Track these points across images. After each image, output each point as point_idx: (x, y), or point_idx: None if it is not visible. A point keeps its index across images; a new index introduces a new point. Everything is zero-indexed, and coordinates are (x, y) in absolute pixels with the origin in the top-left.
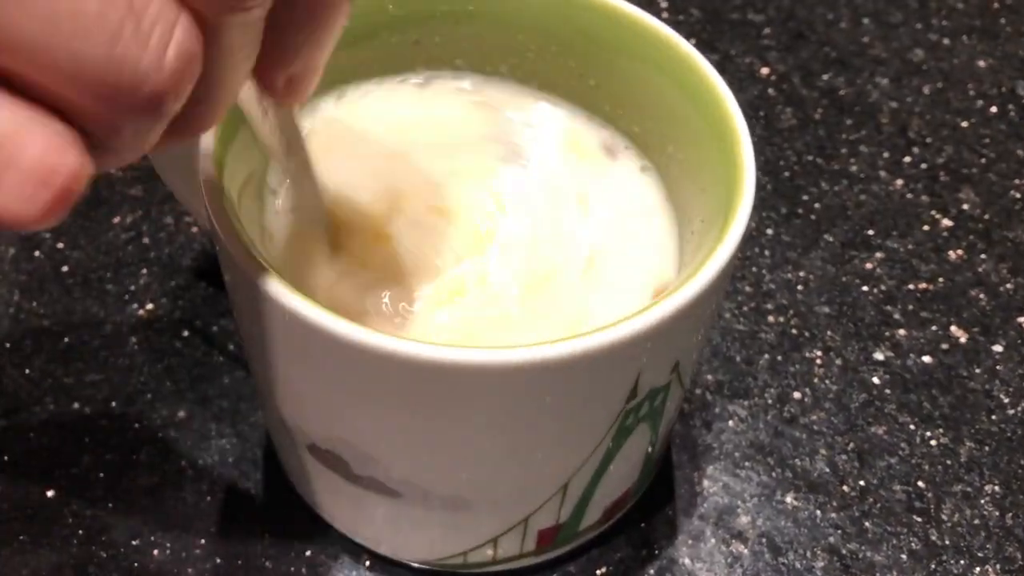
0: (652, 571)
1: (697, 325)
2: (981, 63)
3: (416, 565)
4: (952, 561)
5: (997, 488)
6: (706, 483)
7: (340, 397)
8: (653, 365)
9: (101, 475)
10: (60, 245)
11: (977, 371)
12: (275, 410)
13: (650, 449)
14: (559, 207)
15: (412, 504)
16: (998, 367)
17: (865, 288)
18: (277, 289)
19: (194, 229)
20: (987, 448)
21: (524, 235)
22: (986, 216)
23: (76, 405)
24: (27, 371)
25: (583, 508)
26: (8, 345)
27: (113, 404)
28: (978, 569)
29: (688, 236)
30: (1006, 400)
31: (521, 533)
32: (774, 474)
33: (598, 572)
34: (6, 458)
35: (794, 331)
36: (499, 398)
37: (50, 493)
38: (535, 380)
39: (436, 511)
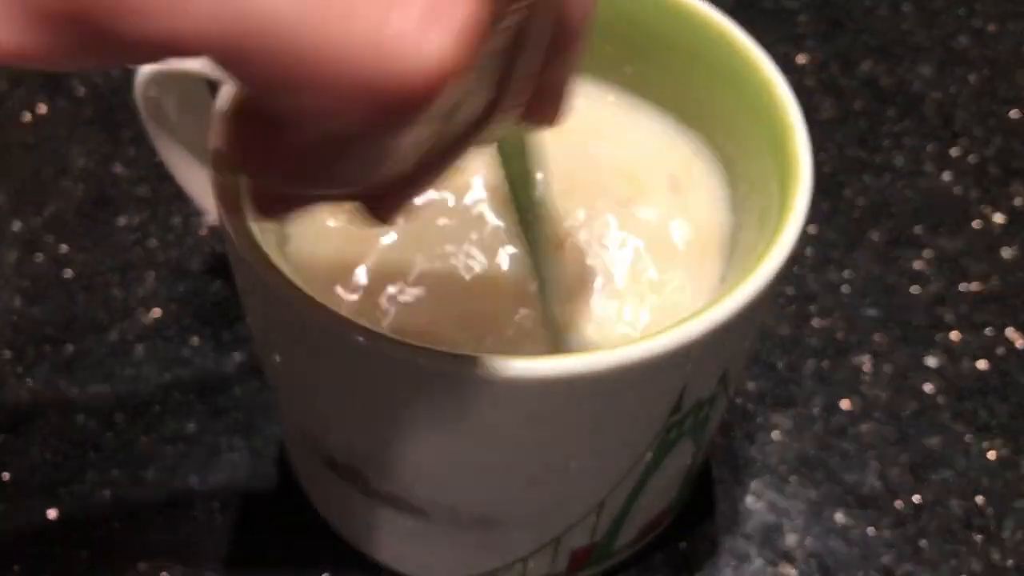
0: None
1: (748, 332)
2: None
3: None
4: None
5: None
6: (749, 499)
7: (362, 409)
8: (700, 376)
9: (106, 493)
10: (63, 248)
11: None
12: (293, 421)
13: (690, 461)
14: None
15: (437, 522)
16: None
17: (914, 289)
18: (296, 296)
19: (203, 232)
20: None
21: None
22: None
23: (80, 418)
24: (29, 382)
25: (619, 527)
26: (9, 354)
27: (119, 417)
28: None
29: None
30: None
31: (552, 553)
32: (822, 489)
33: None
34: (6, 476)
35: (840, 336)
36: (534, 412)
37: (52, 513)
38: (572, 393)
39: (462, 529)
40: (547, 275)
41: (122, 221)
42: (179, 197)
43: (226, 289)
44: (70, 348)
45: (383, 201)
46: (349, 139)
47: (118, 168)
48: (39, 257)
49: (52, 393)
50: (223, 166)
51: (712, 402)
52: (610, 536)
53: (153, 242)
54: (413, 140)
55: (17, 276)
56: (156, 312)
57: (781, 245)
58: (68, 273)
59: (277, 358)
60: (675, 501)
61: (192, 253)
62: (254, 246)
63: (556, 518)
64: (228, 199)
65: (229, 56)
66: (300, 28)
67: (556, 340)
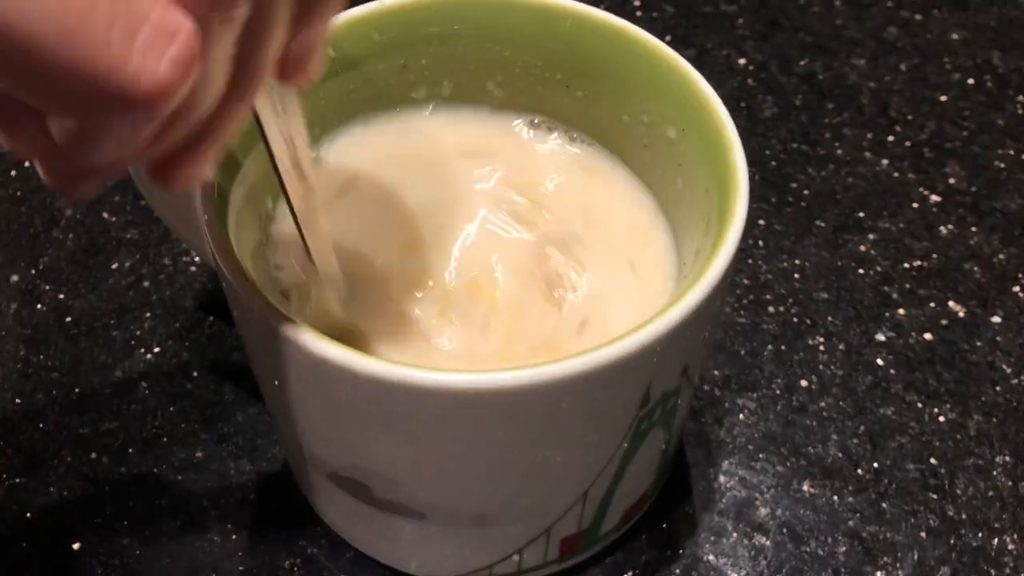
0: (677, 571)
1: (704, 327)
2: (954, 36)
3: None
4: (970, 535)
5: (1008, 459)
6: (722, 478)
7: (356, 427)
8: (663, 371)
9: (125, 523)
10: (61, 295)
11: (978, 344)
12: (293, 441)
13: (664, 447)
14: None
15: (437, 523)
16: (998, 338)
17: (861, 271)
18: (286, 325)
19: (192, 268)
20: (995, 420)
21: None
22: (973, 189)
23: (93, 455)
24: (41, 425)
25: (603, 513)
26: (19, 401)
27: (130, 451)
28: (996, 540)
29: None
30: (1009, 370)
31: (544, 542)
32: (789, 463)
33: None
34: (28, 515)
35: (795, 320)
36: (518, 418)
37: (76, 546)
38: (550, 398)
39: (461, 528)
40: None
41: (115, 265)
42: (167, 239)
43: (219, 323)
44: (77, 390)
45: (166, 169)
46: (99, 129)
47: (106, 215)
48: (39, 306)
49: (65, 434)
50: None
51: (677, 393)
52: (596, 522)
53: (147, 283)
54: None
55: (19, 326)
56: (156, 349)
57: (725, 249)
58: (69, 319)
59: (277, 387)
60: (653, 485)
61: (184, 291)
62: (246, 281)
63: (546, 510)
64: (220, 240)
65: None
66: (57, 52)
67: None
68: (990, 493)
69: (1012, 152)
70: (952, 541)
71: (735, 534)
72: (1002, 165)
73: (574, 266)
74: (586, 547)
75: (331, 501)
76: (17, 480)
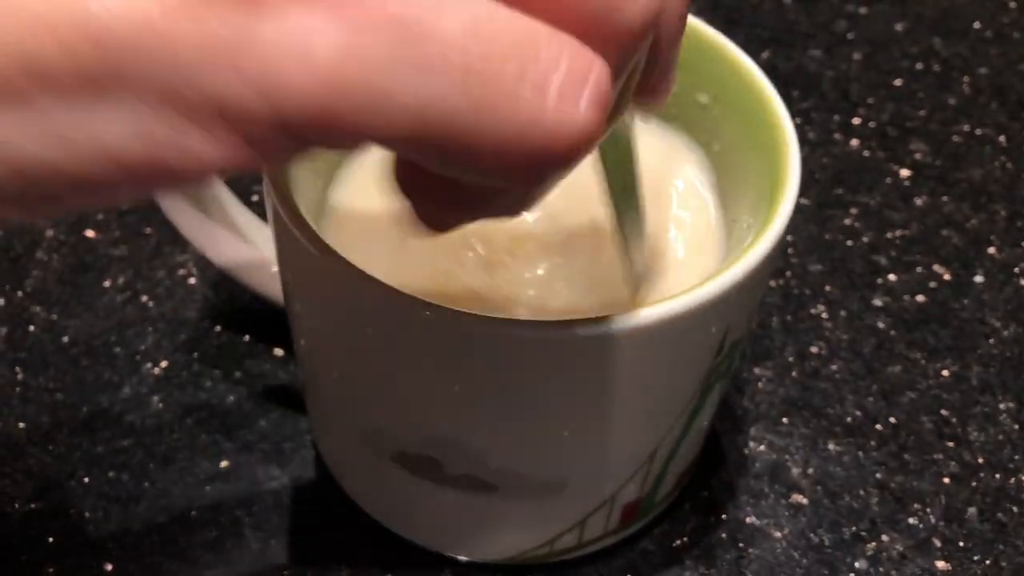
0: (724, 535)
1: (770, 271)
2: (898, 27)
3: (503, 562)
4: (989, 477)
5: (1011, 404)
6: (752, 444)
7: (441, 388)
8: (738, 317)
9: (157, 539)
10: (54, 316)
11: (966, 302)
12: (352, 426)
13: (717, 406)
14: None
15: (506, 495)
16: (984, 296)
17: (849, 242)
18: (389, 294)
19: (191, 280)
20: (992, 370)
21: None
22: (937, 162)
23: (112, 474)
24: (50, 448)
25: (662, 477)
26: (23, 425)
27: (151, 466)
28: (1013, 480)
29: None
30: (998, 324)
31: (608, 510)
32: (812, 425)
33: (675, 544)
34: (51, 540)
35: (795, 291)
36: (611, 364)
37: (108, 567)
38: (643, 343)
39: (529, 499)
40: (638, 260)
41: (107, 283)
42: (159, 252)
43: (227, 331)
44: (86, 410)
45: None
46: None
47: (90, 233)
48: (31, 328)
49: (78, 455)
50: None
51: (740, 344)
52: (655, 487)
53: (144, 298)
54: None
55: (12, 350)
56: (163, 363)
57: (790, 194)
58: (66, 339)
59: (342, 366)
60: (701, 450)
61: (185, 303)
62: (327, 248)
63: (616, 473)
64: (289, 205)
65: (414, 146)
66: (477, 121)
67: None
68: (1000, 437)
69: (967, 128)
70: (974, 484)
71: (772, 495)
72: (960, 140)
73: None
74: (642, 515)
75: (390, 489)
76: (32, 505)
